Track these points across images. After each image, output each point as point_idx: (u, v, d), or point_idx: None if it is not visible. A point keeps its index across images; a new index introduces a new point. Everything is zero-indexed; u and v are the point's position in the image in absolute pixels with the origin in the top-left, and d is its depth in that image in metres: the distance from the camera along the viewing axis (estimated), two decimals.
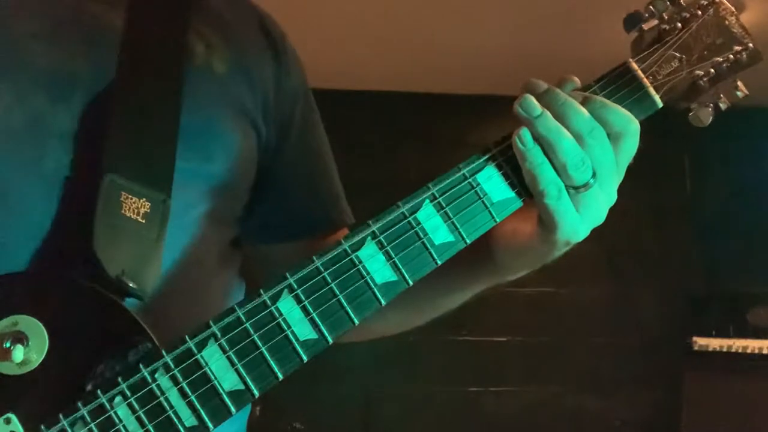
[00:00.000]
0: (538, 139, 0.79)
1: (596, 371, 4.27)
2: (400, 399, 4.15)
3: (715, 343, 3.99)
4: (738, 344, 3.90)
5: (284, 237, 1.04)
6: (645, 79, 0.86)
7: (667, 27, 0.88)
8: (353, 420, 4.14)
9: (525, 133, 0.79)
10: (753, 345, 3.84)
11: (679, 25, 0.88)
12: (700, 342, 4.04)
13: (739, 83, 0.89)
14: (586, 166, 0.79)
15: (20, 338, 0.70)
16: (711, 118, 0.90)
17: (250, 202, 1.00)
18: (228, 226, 0.98)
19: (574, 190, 0.80)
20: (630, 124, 0.82)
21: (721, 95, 0.89)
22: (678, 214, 4.42)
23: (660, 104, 0.86)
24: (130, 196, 0.80)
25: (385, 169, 4.21)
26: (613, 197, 0.83)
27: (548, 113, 0.79)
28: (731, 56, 0.88)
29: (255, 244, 1.04)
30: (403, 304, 0.90)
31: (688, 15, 0.88)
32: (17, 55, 0.82)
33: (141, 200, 0.81)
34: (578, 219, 0.81)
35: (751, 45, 0.88)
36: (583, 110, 0.80)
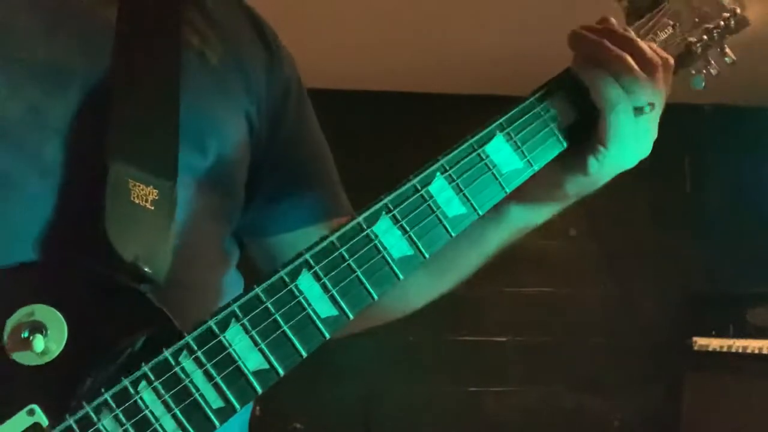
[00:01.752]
0: (604, 60, 0.83)
1: (596, 371, 4.27)
2: (400, 399, 4.14)
3: (715, 343, 3.99)
4: (738, 344, 3.90)
5: (279, 229, 1.04)
6: None
7: None
8: (353, 420, 4.14)
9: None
10: (753, 345, 3.84)
11: None
12: (700, 342, 4.04)
13: (728, 50, 0.92)
14: (649, 88, 0.83)
15: (38, 328, 0.69)
16: (704, 83, 0.93)
17: (246, 196, 1.00)
18: (225, 220, 0.98)
19: (635, 110, 0.83)
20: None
21: (712, 61, 0.92)
22: (678, 214, 4.43)
23: None
24: (138, 183, 0.80)
25: (385, 169, 4.19)
26: (655, 134, 0.87)
27: (606, 41, 0.84)
28: (721, 23, 0.91)
29: (255, 238, 1.04)
30: (423, 272, 0.90)
31: None
32: (10, 49, 0.82)
33: (149, 187, 0.81)
34: (633, 143, 0.85)
35: (738, 11, 0.91)
36: (646, 47, 0.84)
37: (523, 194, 0.90)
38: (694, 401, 3.96)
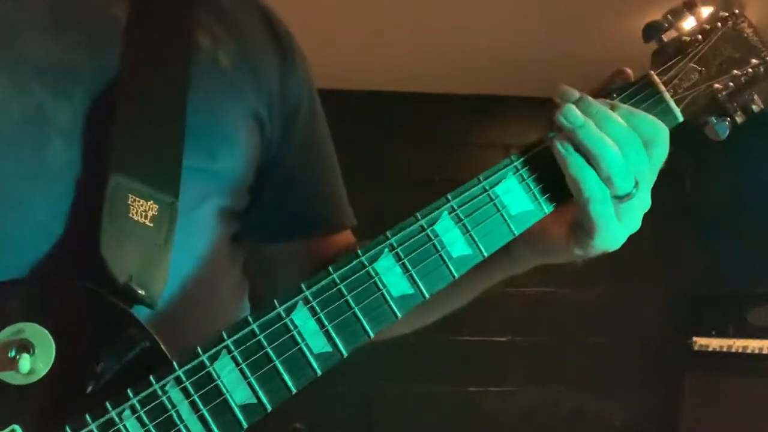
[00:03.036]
0: (580, 148, 0.78)
1: (596, 371, 4.27)
2: (400, 399, 4.14)
3: (715, 343, 3.99)
4: (738, 344, 3.90)
5: (281, 236, 1.02)
6: (666, 93, 0.84)
7: (688, 39, 0.87)
8: (353, 420, 4.14)
9: (566, 141, 0.78)
10: (753, 345, 3.84)
11: (700, 37, 0.86)
12: (700, 342, 4.04)
13: (756, 97, 0.88)
14: (630, 176, 0.79)
15: (26, 347, 0.68)
16: (728, 131, 0.89)
17: (250, 199, 0.98)
18: (233, 221, 0.96)
19: (617, 199, 0.79)
20: (660, 131, 0.81)
21: (738, 109, 0.88)
22: (678, 214, 4.41)
23: (681, 118, 0.85)
24: (137, 199, 0.78)
25: (385, 169, 4.20)
26: (648, 203, 0.83)
27: (591, 123, 0.78)
28: (749, 70, 0.87)
29: (252, 244, 1.02)
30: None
31: (708, 27, 0.87)
32: (16, 47, 0.80)
33: (148, 203, 0.79)
34: (619, 227, 0.81)
35: None
36: (618, 118, 0.79)
37: (513, 250, 0.88)
38: (694, 401, 3.96)
